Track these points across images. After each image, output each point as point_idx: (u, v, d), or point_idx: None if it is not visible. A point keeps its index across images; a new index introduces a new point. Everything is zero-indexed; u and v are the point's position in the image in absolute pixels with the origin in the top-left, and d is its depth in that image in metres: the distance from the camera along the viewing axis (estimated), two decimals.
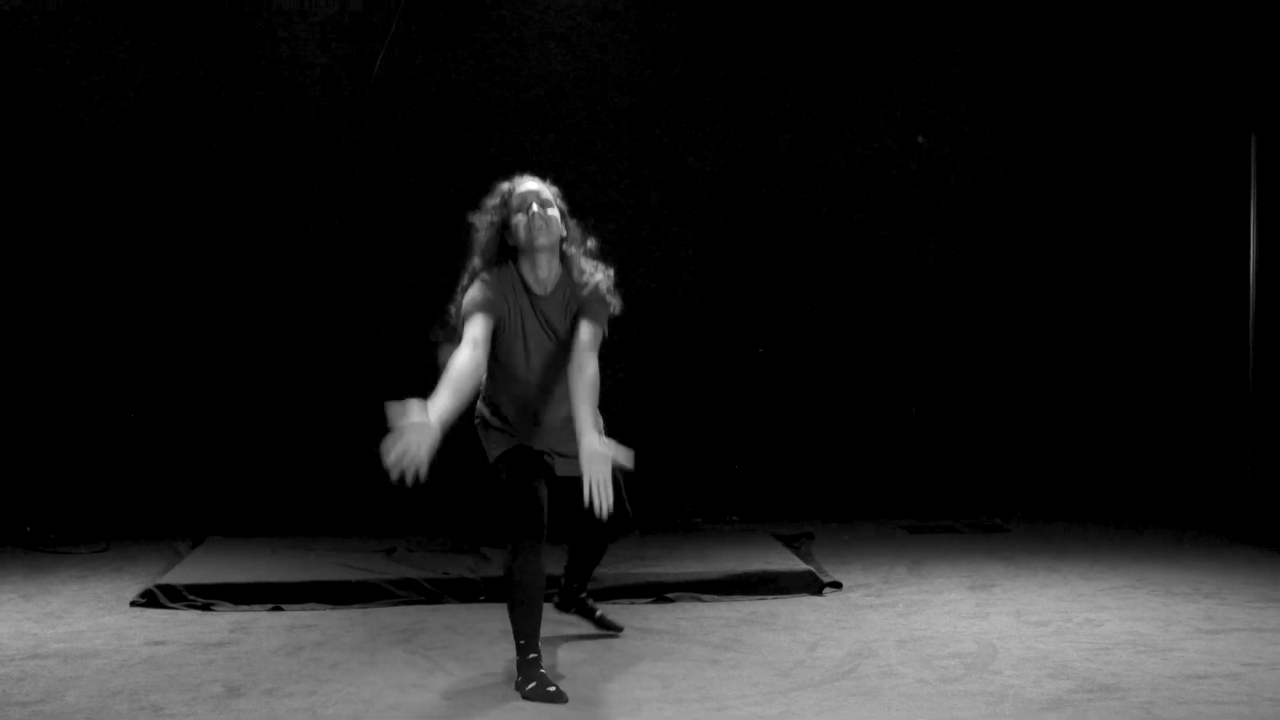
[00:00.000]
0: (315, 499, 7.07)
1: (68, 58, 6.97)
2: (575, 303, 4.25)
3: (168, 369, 7.13)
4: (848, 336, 7.58)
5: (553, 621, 4.79)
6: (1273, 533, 6.83)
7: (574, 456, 3.99)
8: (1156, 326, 7.70)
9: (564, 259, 4.28)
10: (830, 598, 5.51)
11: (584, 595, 4.87)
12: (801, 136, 7.54)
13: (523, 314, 4.22)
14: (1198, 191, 7.64)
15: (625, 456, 3.92)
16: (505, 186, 4.31)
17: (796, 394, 7.54)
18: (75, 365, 7.07)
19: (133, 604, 5.37)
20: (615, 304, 4.30)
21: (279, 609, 5.32)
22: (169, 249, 7.10)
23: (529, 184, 4.29)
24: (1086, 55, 7.62)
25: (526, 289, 4.24)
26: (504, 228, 4.24)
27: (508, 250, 4.27)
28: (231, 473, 7.10)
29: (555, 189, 4.33)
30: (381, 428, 3.53)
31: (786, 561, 5.87)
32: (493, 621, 4.99)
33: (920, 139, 7.57)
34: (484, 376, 4.20)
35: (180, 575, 5.61)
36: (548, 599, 4.42)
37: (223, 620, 5.15)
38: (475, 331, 4.06)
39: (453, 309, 4.28)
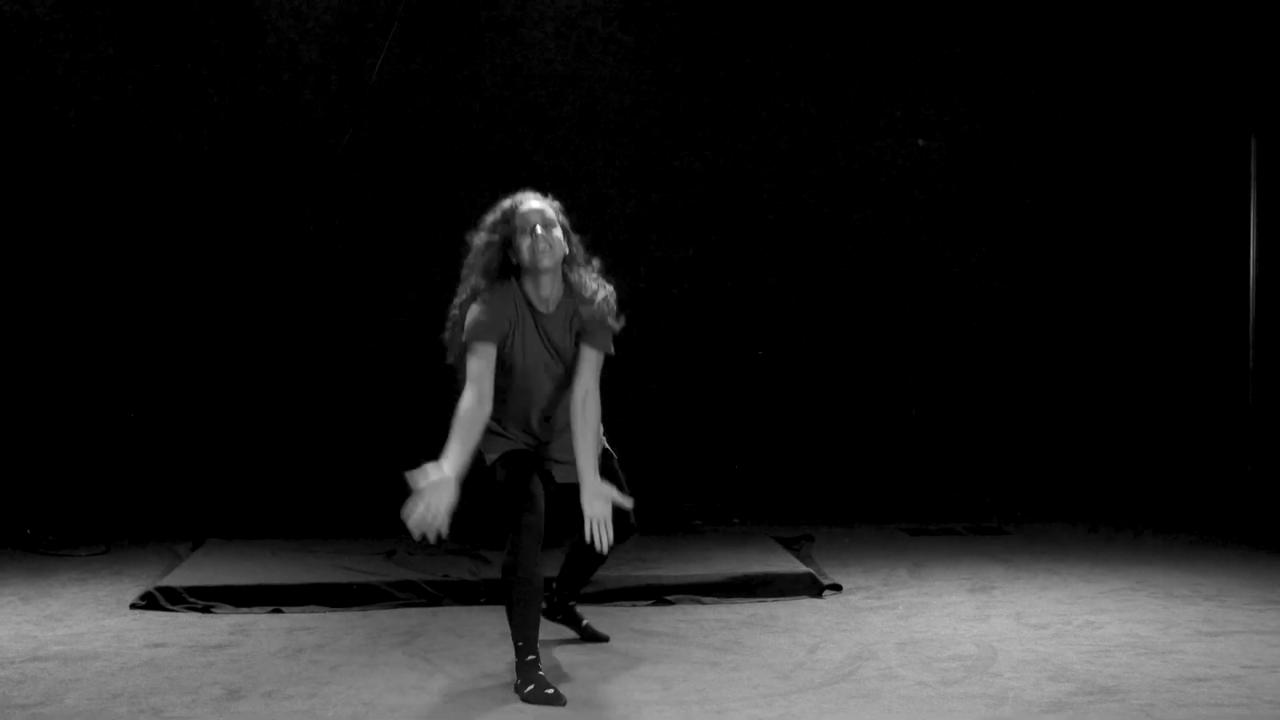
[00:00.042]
0: (315, 501, 7.06)
1: (60, 57, 6.96)
2: (578, 321, 4.26)
3: (167, 371, 7.12)
4: (848, 338, 7.57)
5: (551, 624, 4.79)
6: (1273, 535, 6.83)
7: (572, 464, 4.20)
8: (1156, 329, 7.70)
9: (567, 277, 4.27)
10: (830, 600, 5.50)
11: (571, 604, 4.86)
12: (801, 136, 7.54)
13: (524, 332, 4.23)
14: (1198, 193, 7.64)
15: (626, 501, 4.18)
16: (508, 204, 4.27)
17: (796, 396, 7.54)
18: (74, 368, 7.07)
19: (133, 606, 5.37)
20: (618, 324, 4.31)
21: (279, 611, 5.32)
22: (167, 251, 7.09)
23: (532, 203, 4.25)
24: (1086, 56, 7.61)
25: (530, 306, 4.24)
26: (506, 245, 4.23)
27: (510, 267, 4.26)
28: (231, 475, 7.10)
29: (557, 204, 4.31)
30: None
31: (786, 564, 5.86)
32: (492, 624, 4.99)
33: (920, 141, 7.57)
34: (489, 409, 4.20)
35: (180, 577, 5.61)
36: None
37: (223, 623, 5.14)
38: (479, 366, 4.11)
39: (450, 324, 4.30)
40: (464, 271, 4.34)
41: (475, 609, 5.36)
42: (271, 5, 7.08)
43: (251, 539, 6.53)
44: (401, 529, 3.72)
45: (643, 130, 7.43)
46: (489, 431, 4.34)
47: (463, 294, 4.29)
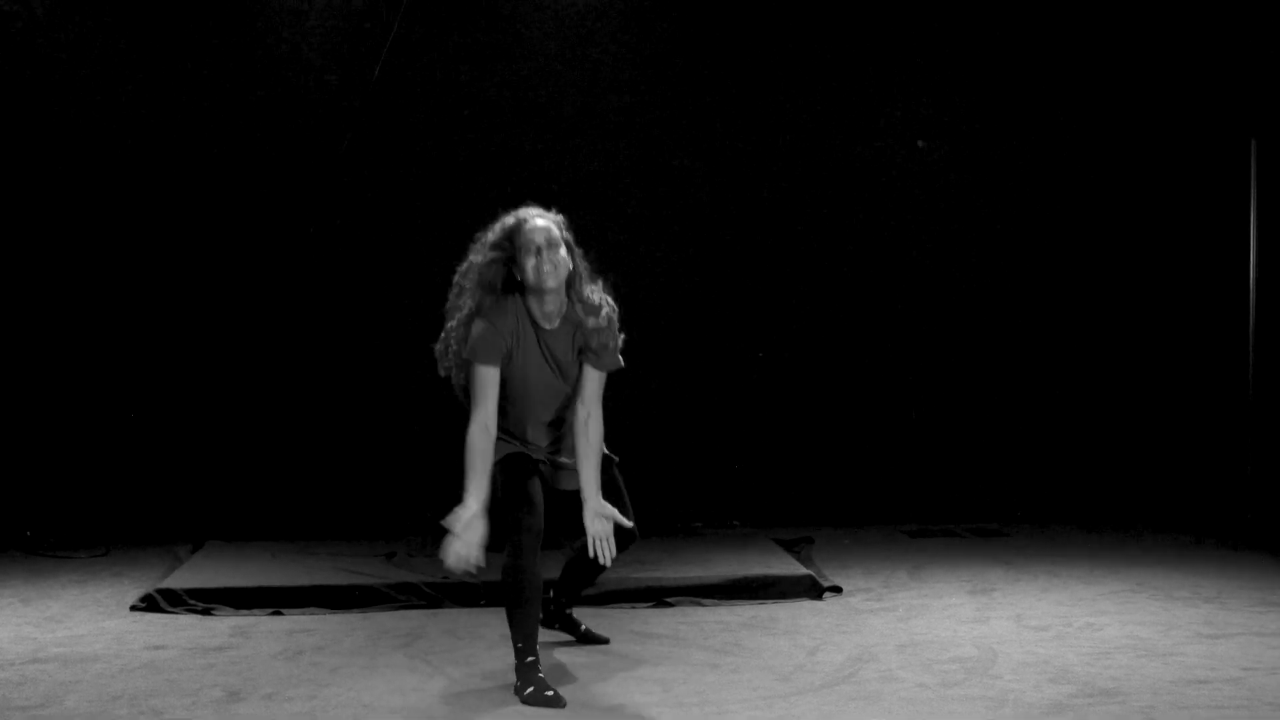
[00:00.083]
0: (315, 503, 7.05)
1: (60, 57, 6.96)
2: (581, 337, 4.26)
3: (167, 373, 7.11)
4: (848, 339, 7.57)
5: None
6: (1273, 537, 6.83)
7: (572, 468, 4.29)
8: (1156, 331, 7.69)
9: (570, 293, 4.26)
10: (830, 602, 5.50)
11: (568, 611, 4.85)
12: (801, 136, 7.53)
13: (526, 347, 4.22)
14: (1198, 195, 7.63)
15: (627, 522, 4.26)
16: (511, 222, 4.23)
17: (797, 397, 7.53)
18: (74, 369, 7.06)
19: (133, 608, 5.37)
20: (619, 340, 4.32)
21: (279, 613, 5.32)
22: (167, 252, 7.08)
23: (536, 221, 4.21)
24: (1087, 58, 7.60)
25: (533, 322, 4.23)
26: (510, 263, 4.20)
27: (514, 283, 4.24)
28: (231, 477, 7.09)
29: (560, 218, 4.28)
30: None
31: (787, 566, 5.86)
32: (492, 626, 4.99)
33: (920, 143, 7.57)
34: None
35: (180, 580, 5.61)
36: None
37: (223, 625, 5.15)
38: (483, 387, 4.14)
39: (444, 337, 4.31)
40: (456, 287, 4.32)
41: (475, 611, 5.36)
42: (271, 5, 7.08)
43: (251, 541, 6.54)
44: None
45: (643, 130, 7.42)
46: None
47: (460, 309, 4.25)
